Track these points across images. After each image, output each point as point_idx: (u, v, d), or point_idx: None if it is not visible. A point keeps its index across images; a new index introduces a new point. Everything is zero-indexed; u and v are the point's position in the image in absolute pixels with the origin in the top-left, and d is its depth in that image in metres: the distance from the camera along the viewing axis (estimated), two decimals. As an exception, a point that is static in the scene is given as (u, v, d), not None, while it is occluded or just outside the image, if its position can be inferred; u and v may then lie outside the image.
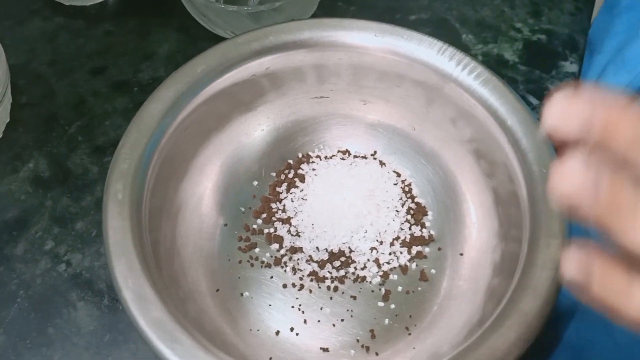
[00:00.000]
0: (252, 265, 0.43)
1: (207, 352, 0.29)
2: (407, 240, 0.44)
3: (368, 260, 0.43)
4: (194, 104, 0.39)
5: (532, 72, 0.54)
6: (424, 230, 0.44)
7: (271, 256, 0.43)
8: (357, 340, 0.40)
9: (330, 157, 0.47)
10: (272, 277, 0.42)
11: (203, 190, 0.43)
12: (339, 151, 0.48)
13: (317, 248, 0.43)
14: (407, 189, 0.46)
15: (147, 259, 0.32)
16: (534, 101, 0.52)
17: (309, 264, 0.43)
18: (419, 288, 0.42)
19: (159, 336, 0.29)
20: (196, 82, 0.38)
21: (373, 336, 0.40)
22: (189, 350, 0.29)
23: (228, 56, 0.39)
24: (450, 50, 0.39)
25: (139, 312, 0.29)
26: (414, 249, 0.44)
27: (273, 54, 0.41)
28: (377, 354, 0.39)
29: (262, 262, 0.43)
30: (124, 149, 0.34)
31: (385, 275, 0.43)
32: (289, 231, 0.44)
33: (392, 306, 0.41)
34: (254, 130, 0.46)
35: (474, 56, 0.53)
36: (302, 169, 0.47)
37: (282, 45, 0.41)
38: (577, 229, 0.41)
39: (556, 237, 0.32)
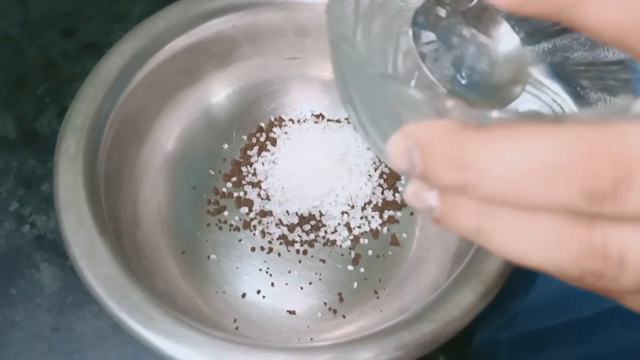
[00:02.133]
0: (220, 228, 0.42)
1: (157, 307, 0.28)
2: (379, 204, 0.43)
3: (339, 224, 0.42)
4: (156, 60, 0.38)
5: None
6: (396, 194, 0.44)
7: (240, 219, 0.43)
8: (325, 303, 0.40)
9: (303, 121, 0.46)
10: (240, 240, 0.42)
11: (169, 151, 0.42)
12: (312, 115, 0.47)
13: (287, 212, 0.43)
14: (380, 153, 0.45)
15: (99, 216, 0.31)
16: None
17: (279, 228, 0.42)
18: (390, 252, 0.42)
19: (107, 292, 0.28)
20: (157, 38, 0.37)
21: (341, 299, 0.40)
22: (138, 305, 0.28)
23: (191, 12, 0.38)
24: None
25: (88, 268, 0.29)
26: (386, 214, 0.43)
27: (239, 11, 0.39)
28: (344, 316, 0.39)
29: (231, 225, 0.42)
30: (78, 103, 0.34)
31: (355, 239, 0.42)
32: (259, 195, 0.43)
33: (362, 270, 0.41)
34: (224, 91, 0.45)
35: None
36: (274, 133, 0.46)
37: (249, 2, 0.39)
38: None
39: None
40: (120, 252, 0.30)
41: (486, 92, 0.25)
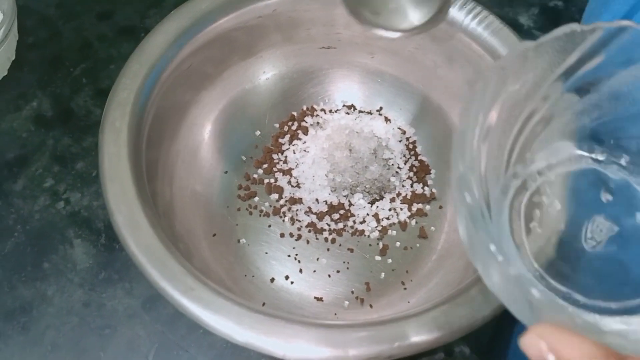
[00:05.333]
0: (250, 213, 0.42)
1: (196, 278, 0.29)
2: (408, 197, 0.43)
3: (367, 214, 0.43)
4: (198, 41, 0.38)
5: (546, 38, 0.52)
6: (425, 188, 0.44)
7: (270, 206, 0.43)
8: (352, 292, 0.40)
9: (335, 111, 0.47)
10: (270, 226, 0.42)
11: (204, 134, 0.43)
12: (344, 105, 0.47)
13: (317, 200, 0.43)
14: (411, 146, 0.45)
15: (142, 189, 0.31)
16: (546, 67, 0.51)
17: (308, 215, 0.42)
18: (417, 245, 0.42)
19: (149, 260, 0.29)
20: (200, 18, 0.37)
21: (368, 289, 0.40)
22: (178, 275, 0.28)
23: (234, -5, 0.39)
24: (461, -1, 0.38)
25: (131, 237, 0.29)
26: (415, 206, 0.43)
27: (280, -4, 0.40)
28: (371, 306, 0.39)
29: (261, 211, 0.43)
30: (123, 78, 0.34)
31: (384, 230, 0.42)
32: (289, 182, 0.44)
33: (389, 261, 0.41)
34: (258, 78, 0.45)
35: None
36: (306, 122, 0.46)
37: (290, -13, 0.40)
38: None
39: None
40: (160, 226, 0.31)
41: None
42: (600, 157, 0.28)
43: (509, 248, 0.25)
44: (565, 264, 0.25)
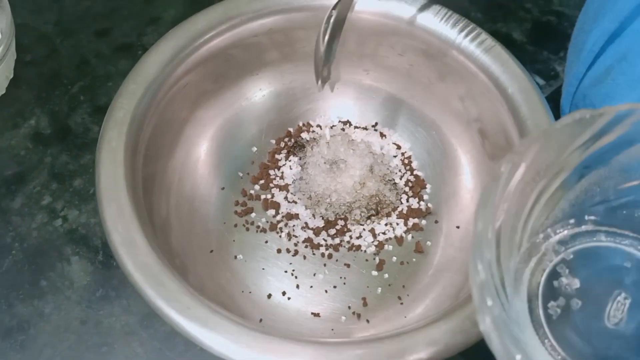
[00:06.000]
0: (247, 229, 0.43)
1: (192, 296, 0.29)
2: (404, 212, 0.44)
3: (363, 229, 0.43)
4: (194, 60, 0.38)
5: (540, 53, 0.53)
6: (421, 202, 0.44)
7: (267, 221, 0.43)
8: (349, 307, 0.40)
9: (331, 127, 0.47)
10: (266, 242, 0.42)
11: (200, 151, 0.43)
12: (339, 121, 0.47)
13: (313, 215, 0.43)
14: (406, 161, 0.46)
15: (138, 207, 0.32)
16: (540, 81, 0.51)
17: (305, 231, 0.43)
18: (414, 259, 0.42)
19: (146, 280, 0.29)
20: (196, 37, 0.38)
21: (365, 304, 0.40)
22: (174, 294, 0.29)
23: (230, 14, 0.39)
24: (455, 17, 0.39)
25: (127, 256, 0.29)
26: (411, 221, 0.43)
27: (276, 15, 0.40)
28: (368, 321, 0.39)
29: (258, 226, 0.43)
30: (120, 98, 0.34)
31: (380, 246, 0.42)
32: (286, 198, 0.44)
33: (386, 276, 0.41)
34: (254, 95, 0.45)
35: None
36: (302, 138, 0.46)
37: (286, 6, 0.40)
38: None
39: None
40: (156, 243, 0.31)
41: None
42: (614, 230, 0.28)
43: (531, 340, 0.25)
44: (589, 344, 0.25)
